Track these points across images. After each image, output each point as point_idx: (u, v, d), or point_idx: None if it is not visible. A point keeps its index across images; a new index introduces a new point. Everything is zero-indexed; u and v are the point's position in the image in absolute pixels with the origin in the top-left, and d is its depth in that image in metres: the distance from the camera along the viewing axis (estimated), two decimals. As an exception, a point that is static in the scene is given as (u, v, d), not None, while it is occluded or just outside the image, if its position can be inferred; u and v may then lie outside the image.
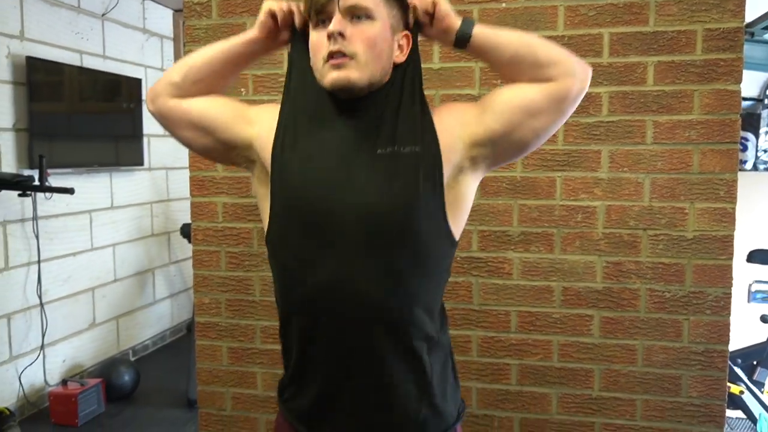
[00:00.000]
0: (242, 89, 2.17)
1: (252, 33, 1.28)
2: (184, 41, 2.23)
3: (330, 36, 1.13)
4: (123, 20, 4.40)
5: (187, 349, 3.95)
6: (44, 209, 3.70)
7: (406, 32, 1.21)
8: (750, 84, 4.18)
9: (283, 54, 2.10)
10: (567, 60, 1.19)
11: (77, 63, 3.98)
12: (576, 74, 1.17)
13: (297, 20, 1.25)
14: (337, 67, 1.14)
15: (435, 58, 2.01)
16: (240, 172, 2.19)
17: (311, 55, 1.20)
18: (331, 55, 1.14)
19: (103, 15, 4.20)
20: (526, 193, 1.99)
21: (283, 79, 2.11)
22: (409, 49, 1.22)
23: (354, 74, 1.14)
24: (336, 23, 1.13)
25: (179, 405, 3.75)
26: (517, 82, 1.20)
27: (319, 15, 1.17)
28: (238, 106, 1.33)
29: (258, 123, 1.29)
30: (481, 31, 1.20)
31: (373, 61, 1.16)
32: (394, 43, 1.20)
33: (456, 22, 1.20)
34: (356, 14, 1.14)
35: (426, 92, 1.99)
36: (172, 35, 4.94)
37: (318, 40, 1.17)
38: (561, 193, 1.97)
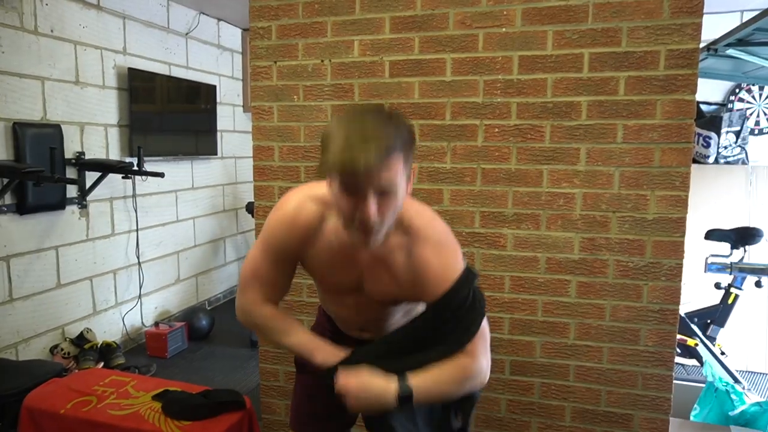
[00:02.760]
0: (294, 96, 2.22)
1: (308, 355, 1.27)
2: (250, 57, 2.29)
3: (360, 210, 1.04)
4: (202, 38, 4.47)
5: (251, 300, 4.03)
6: (141, 189, 3.81)
7: (414, 166, 1.14)
8: (715, 91, 4.10)
9: (327, 67, 2.16)
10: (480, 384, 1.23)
11: (166, 72, 4.06)
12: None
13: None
14: (366, 233, 1.08)
15: (447, 72, 2.04)
16: (292, 162, 2.26)
17: (336, 206, 1.10)
18: (361, 223, 1.06)
19: (186, 34, 4.28)
20: (519, 181, 2.00)
21: (327, 88, 2.18)
22: (414, 179, 1.24)
23: (379, 236, 1.10)
24: (370, 206, 1.03)
25: (244, 344, 3.85)
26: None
27: (347, 186, 1.04)
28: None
29: None
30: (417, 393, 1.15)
31: (393, 219, 1.11)
32: (407, 189, 1.12)
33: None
34: (384, 190, 1.04)
35: (438, 100, 2.05)
36: (240, 50, 4.99)
37: (345, 205, 1.06)
38: (547, 182, 1.99)
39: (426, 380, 1.17)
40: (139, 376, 2.37)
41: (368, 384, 1.17)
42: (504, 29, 1.96)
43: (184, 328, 3.83)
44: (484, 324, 1.22)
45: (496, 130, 2.01)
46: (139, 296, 3.84)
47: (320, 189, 1.20)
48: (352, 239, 1.12)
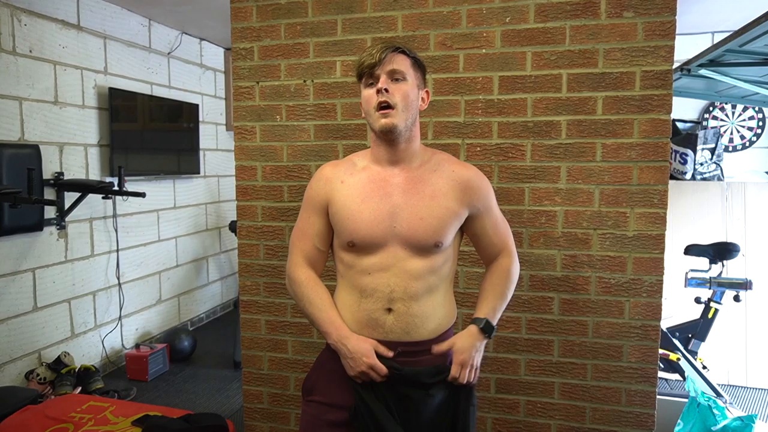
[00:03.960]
0: (277, 116, 2.22)
1: (332, 335, 1.38)
2: (233, 78, 2.29)
3: (378, 91, 1.33)
4: (184, 57, 4.46)
5: (233, 321, 3.97)
6: (122, 208, 3.76)
7: (426, 89, 1.44)
8: (690, 109, 4.20)
9: (309, 87, 2.17)
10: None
11: (148, 92, 4.04)
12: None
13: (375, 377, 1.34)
14: (385, 116, 1.33)
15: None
16: (275, 182, 2.25)
17: (364, 105, 1.39)
18: (381, 105, 1.33)
19: (168, 53, 4.27)
20: (501, 199, 2.00)
21: (310, 108, 2.18)
22: (429, 100, 1.45)
23: (396, 120, 1.34)
24: (382, 82, 1.34)
25: (227, 366, 3.79)
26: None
27: (369, 78, 1.36)
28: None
29: None
30: (495, 322, 1.43)
31: (407, 109, 1.36)
32: (418, 97, 1.40)
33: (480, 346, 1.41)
34: (395, 76, 1.35)
35: (420, 119, 2.07)
36: (223, 69, 4.99)
37: (369, 95, 1.36)
38: (529, 200, 2.00)
39: (495, 306, 1.44)
40: (119, 401, 2.32)
41: (470, 347, 1.38)
42: (484, 50, 1.99)
43: (166, 349, 3.76)
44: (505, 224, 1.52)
45: (478, 148, 2.02)
46: (119, 318, 3.77)
47: (358, 152, 1.50)
48: (377, 127, 1.35)
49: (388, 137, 1.36)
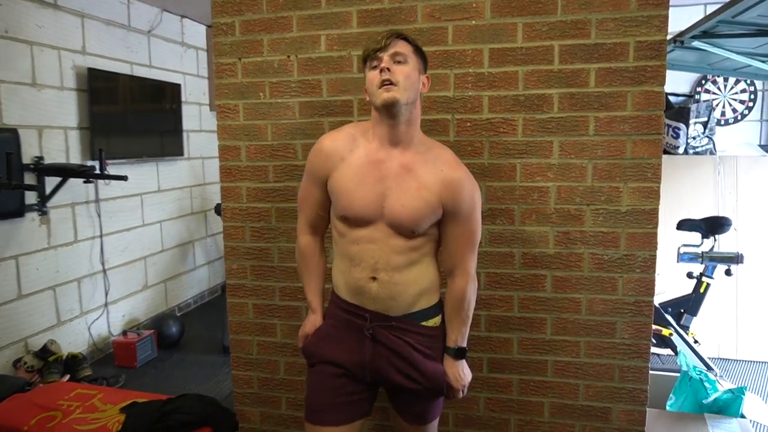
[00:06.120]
0: (260, 93, 2.17)
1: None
2: (214, 54, 2.23)
3: (382, 70, 1.44)
4: (165, 36, 4.37)
5: (221, 306, 3.97)
6: (104, 193, 3.72)
7: (427, 75, 1.56)
8: (683, 83, 4.18)
9: (293, 62, 2.12)
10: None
11: (128, 72, 3.96)
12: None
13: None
14: (387, 90, 1.43)
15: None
16: (260, 162, 2.21)
17: (367, 85, 1.49)
18: (383, 82, 1.43)
19: (149, 32, 4.18)
20: (493, 176, 1.99)
21: (294, 84, 2.15)
22: (429, 86, 1.56)
23: (397, 94, 1.43)
24: (385, 62, 1.45)
25: (216, 351, 3.79)
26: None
27: (373, 61, 1.47)
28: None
29: None
30: (463, 344, 1.63)
31: (409, 88, 1.45)
32: (419, 80, 1.51)
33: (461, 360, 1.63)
34: (397, 59, 1.46)
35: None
36: (205, 47, 4.91)
37: (372, 76, 1.47)
38: (520, 176, 1.98)
39: (460, 332, 1.60)
40: (107, 388, 2.30)
41: (458, 373, 1.61)
42: (473, 22, 1.95)
43: (153, 336, 3.76)
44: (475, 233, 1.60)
45: (468, 124, 1.99)
46: (105, 304, 3.74)
47: (360, 125, 1.60)
48: (378, 101, 1.43)
49: (390, 112, 1.45)
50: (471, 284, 1.60)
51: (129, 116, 3.96)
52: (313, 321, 1.67)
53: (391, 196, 1.49)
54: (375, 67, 1.47)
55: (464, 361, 1.63)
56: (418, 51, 1.52)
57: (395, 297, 1.53)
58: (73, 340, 3.51)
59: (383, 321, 1.55)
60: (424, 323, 1.59)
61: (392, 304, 1.54)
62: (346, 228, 1.55)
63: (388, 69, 1.43)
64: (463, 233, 1.56)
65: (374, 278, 1.52)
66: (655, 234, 1.90)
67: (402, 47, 1.47)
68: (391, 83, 1.43)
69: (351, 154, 1.53)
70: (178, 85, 4.46)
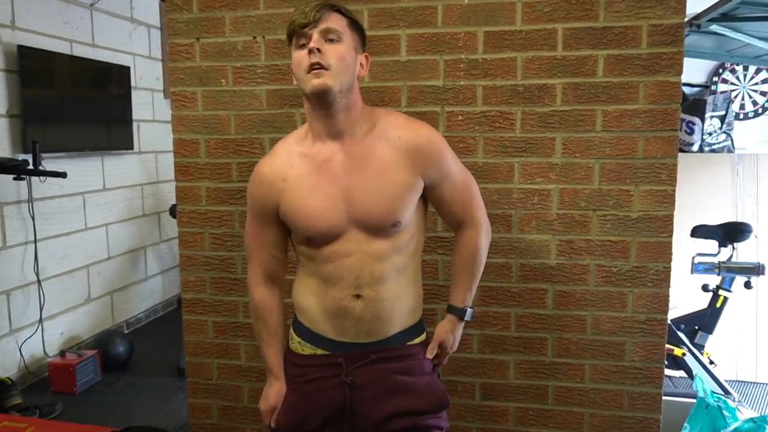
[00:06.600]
0: (222, 80, 2.14)
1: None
2: (168, 33, 2.19)
3: (310, 51, 1.35)
4: (111, 10, 4.30)
5: (178, 321, 3.88)
6: (39, 191, 3.63)
7: (366, 54, 1.49)
8: (698, 72, 4.23)
9: (260, 44, 2.09)
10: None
11: (67, 51, 3.88)
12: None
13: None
14: (317, 75, 1.35)
15: (402, 51, 1.99)
16: (222, 158, 2.17)
17: (294, 68, 1.41)
18: (312, 66, 1.35)
19: (91, 5, 4.10)
20: (487, 177, 1.98)
21: (261, 70, 2.12)
22: (368, 66, 1.48)
23: (329, 81, 1.36)
24: (315, 41, 1.36)
25: (170, 374, 3.73)
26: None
27: (300, 39, 1.39)
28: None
29: None
30: (470, 305, 1.61)
31: (343, 72, 1.38)
32: (357, 61, 1.44)
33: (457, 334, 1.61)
34: (329, 37, 1.38)
35: (391, 84, 2.03)
36: (159, 24, 4.83)
37: (299, 57, 1.39)
38: (519, 177, 1.98)
39: (469, 289, 1.59)
40: (39, 420, 2.24)
41: (449, 334, 1.59)
42: (466, 1, 1.94)
43: (97, 356, 3.70)
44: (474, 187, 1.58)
45: (460, 117, 1.99)
46: (40, 320, 3.67)
47: (292, 135, 1.55)
48: (308, 89, 1.37)
49: (322, 101, 1.39)
50: (483, 235, 1.58)
51: (68, 103, 3.89)
52: (278, 390, 1.58)
53: (354, 194, 1.43)
54: (303, 46, 1.38)
55: (461, 326, 1.61)
56: (355, 25, 1.45)
57: (381, 317, 1.47)
58: (1, 363, 3.42)
59: (361, 359, 1.48)
60: (409, 343, 1.55)
61: (377, 325, 1.48)
62: (314, 250, 1.48)
63: (318, 50, 1.35)
64: (456, 188, 1.52)
65: (358, 296, 1.45)
66: (670, 243, 1.91)
67: (335, 22, 1.39)
68: (322, 67, 1.35)
69: (292, 170, 1.47)
70: (127, 68, 4.40)
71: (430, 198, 1.53)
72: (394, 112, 1.55)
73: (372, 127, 1.47)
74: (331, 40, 1.37)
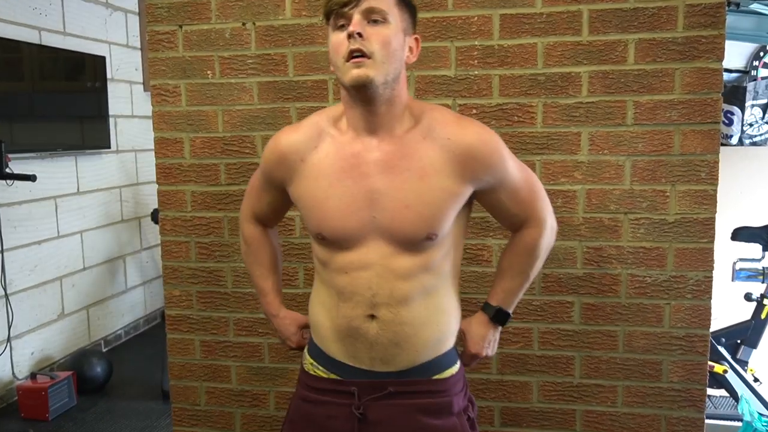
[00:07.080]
0: (208, 71, 2.14)
1: (265, 310, 1.68)
2: (147, 20, 2.19)
3: (350, 36, 1.28)
4: (84, -6, 4.31)
5: (161, 337, 3.89)
6: (6, 196, 3.64)
7: (416, 36, 1.41)
8: (737, 56, 4.20)
9: (250, 32, 2.08)
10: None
11: (36, 41, 3.88)
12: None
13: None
14: (358, 65, 1.28)
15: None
16: (208, 159, 2.17)
17: (331, 54, 1.35)
18: (352, 54, 1.29)
19: (62, -11, 4.11)
20: (505, 177, 1.98)
21: (251, 60, 2.11)
22: (419, 50, 1.42)
23: (372, 72, 1.29)
24: (355, 24, 1.28)
25: (154, 397, 3.74)
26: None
27: (339, 19, 1.32)
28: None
29: None
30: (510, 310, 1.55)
31: (388, 60, 1.31)
32: (405, 45, 1.36)
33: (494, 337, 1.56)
34: (372, 18, 1.30)
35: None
36: (137, 10, 4.85)
37: (338, 41, 1.32)
38: (540, 178, 1.93)
39: (512, 292, 1.53)
40: (7, 453, 2.22)
41: (482, 339, 1.54)
42: (480, -19, 1.94)
43: (72, 378, 3.70)
44: (534, 179, 1.51)
45: (474, 111, 1.99)
46: (8, 339, 3.67)
47: (328, 110, 1.49)
48: (347, 80, 1.31)
49: (363, 95, 1.33)
50: (548, 233, 1.51)
51: (38, 98, 3.90)
52: (287, 319, 1.65)
53: (384, 199, 1.36)
54: (342, 27, 1.32)
55: (496, 332, 1.55)
56: (403, 2, 1.37)
57: (401, 343, 1.40)
58: (-33, 387, 3.44)
59: (376, 391, 1.42)
60: (437, 377, 1.46)
61: (394, 352, 1.41)
62: (328, 252, 1.43)
63: (359, 34, 1.28)
64: (514, 189, 1.44)
65: (373, 316, 1.39)
66: (711, 250, 1.91)
67: (380, 1, 1.31)
68: (363, 55, 1.28)
69: (314, 152, 1.41)
70: (103, 58, 4.41)
71: (483, 203, 1.47)
72: (441, 107, 1.48)
73: (414, 124, 1.40)
74: (375, 21, 1.30)
